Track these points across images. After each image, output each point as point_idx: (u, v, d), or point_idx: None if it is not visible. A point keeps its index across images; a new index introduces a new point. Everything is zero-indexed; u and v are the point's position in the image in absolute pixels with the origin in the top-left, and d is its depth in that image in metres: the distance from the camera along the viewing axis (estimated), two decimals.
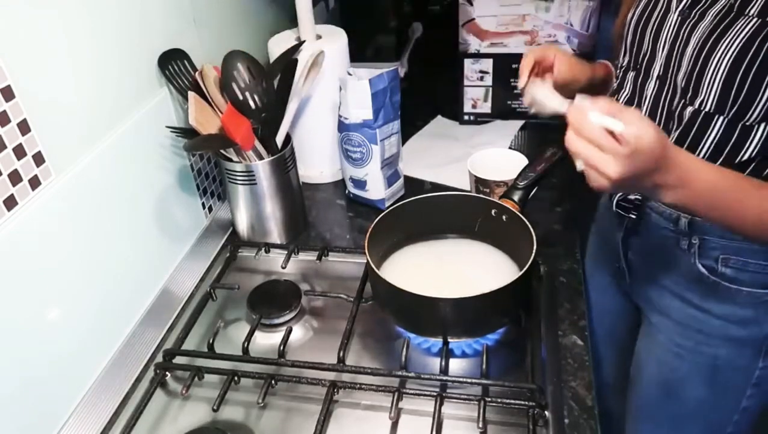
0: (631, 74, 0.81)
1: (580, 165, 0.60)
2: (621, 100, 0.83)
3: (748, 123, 0.66)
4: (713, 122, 0.68)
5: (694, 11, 0.69)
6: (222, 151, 0.93)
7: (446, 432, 0.70)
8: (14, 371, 0.65)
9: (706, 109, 0.68)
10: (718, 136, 0.69)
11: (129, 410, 0.75)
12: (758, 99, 0.64)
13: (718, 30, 0.65)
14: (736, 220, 0.66)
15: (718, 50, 0.65)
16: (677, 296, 0.82)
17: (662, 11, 0.74)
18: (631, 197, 0.82)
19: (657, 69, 0.75)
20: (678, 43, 0.71)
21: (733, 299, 0.77)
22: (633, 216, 0.84)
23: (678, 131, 0.72)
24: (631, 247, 0.88)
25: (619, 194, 0.84)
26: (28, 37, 0.65)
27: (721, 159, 0.69)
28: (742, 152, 0.68)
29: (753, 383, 0.81)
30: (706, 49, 0.66)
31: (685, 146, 0.72)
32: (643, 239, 0.85)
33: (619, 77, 0.83)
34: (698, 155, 0.71)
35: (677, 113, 0.72)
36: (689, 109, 0.70)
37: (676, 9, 0.71)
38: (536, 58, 0.88)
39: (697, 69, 0.68)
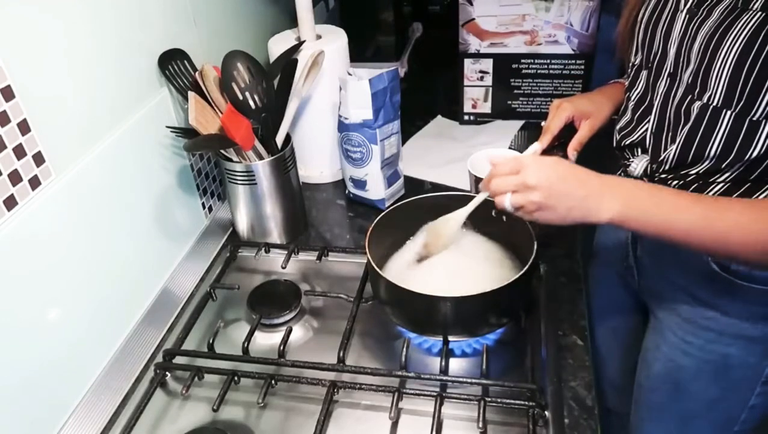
0: (643, 72, 0.81)
1: (507, 202, 0.69)
2: (633, 98, 0.83)
3: (755, 118, 0.66)
4: (721, 117, 0.69)
5: (702, 9, 0.70)
6: (222, 151, 0.93)
7: (446, 432, 0.70)
8: (14, 371, 0.65)
9: (714, 103, 0.69)
10: (726, 131, 0.69)
11: (129, 410, 0.75)
12: (763, 93, 0.64)
13: (724, 25, 0.66)
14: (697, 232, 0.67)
15: (725, 45, 0.65)
16: (688, 293, 0.82)
17: (672, 10, 0.74)
18: None
19: (668, 67, 0.76)
20: (686, 40, 0.71)
21: (746, 297, 0.77)
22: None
23: (688, 127, 0.72)
24: (641, 244, 0.88)
25: None
26: (28, 38, 0.65)
27: (731, 156, 0.70)
28: (751, 148, 0.68)
29: (762, 381, 0.81)
30: (713, 44, 0.67)
31: (696, 142, 0.72)
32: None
33: (631, 75, 0.84)
34: (709, 151, 0.71)
35: (685, 108, 0.73)
36: (697, 104, 0.71)
37: (685, 7, 0.72)
38: (566, 121, 0.95)
39: (705, 64, 0.68)
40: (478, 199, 0.79)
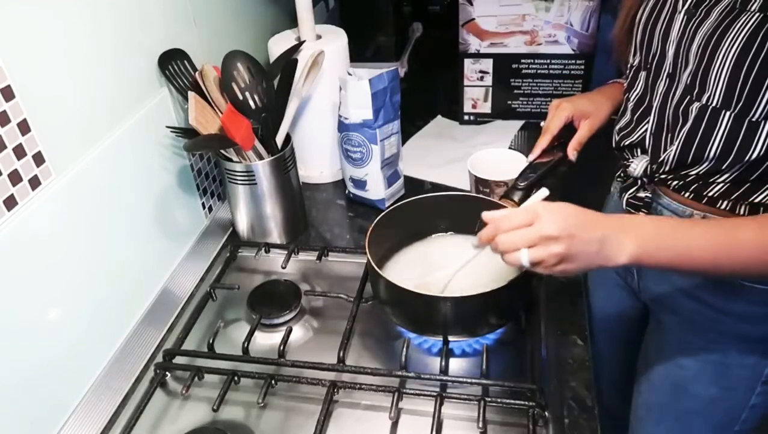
0: (642, 73, 0.81)
1: (525, 259, 0.62)
2: (632, 99, 0.83)
3: (754, 119, 0.66)
4: (720, 118, 0.69)
5: (700, 9, 0.70)
6: (222, 151, 0.93)
7: (446, 432, 0.70)
8: (14, 371, 0.65)
9: (713, 104, 0.69)
10: (726, 132, 0.69)
11: (129, 410, 0.75)
12: (762, 94, 0.64)
13: (722, 26, 0.66)
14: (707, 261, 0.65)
15: (723, 46, 0.65)
16: (688, 294, 0.82)
17: (670, 11, 0.74)
18: (641, 194, 0.82)
19: (666, 67, 0.76)
20: (684, 41, 0.71)
21: (746, 297, 0.77)
22: (643, 214, 0.84)
23: (687, 128, 0.72)
24: None
25: (629, 192, 0.84)
26: (28, 38, 0.65)
27: (731, 157, 0.70)
28: (751, 149, 0.68)
29: (762, 381, 0.81)
30: (711, 45, 0.67)
31: (695, 143, 0.72)
32: None
33: (630, 76, 0.84)
34: (708, 152, 0.71)
35: (684, 109, 0.73)
36: (696, 104, 0.71)
37: (683, 8, 0.72)
38: (565, 122, 0.93)
39: (703, 65, 0.68)
40: (466, 260, 0.75)
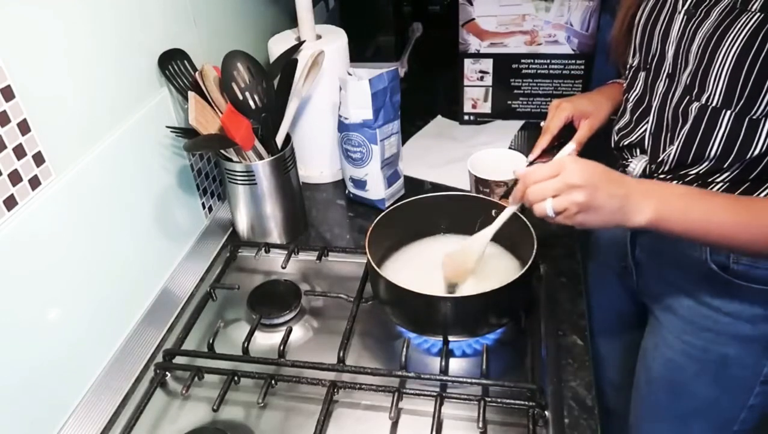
0: (641, 74, 0.81)
1: (549, 207, 0.64)
2: (632, 99, 0.83)
3: (755, 117, 0.66)
4: (721, 117, 0.69)
5: (700, 10, 0.70)
6: (222, 151, 0.93)
7: (446, 432, 0.70)
8: (14, 371, 0.65)
9: (713, 104, 0.69)
10: (726, 131, 0.69)
11: (129, 410, 0.75)
12: (763, 92, 0.64)
13: (723, 26, 0.66)
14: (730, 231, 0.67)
15: (723, 46, 0.66)
16: (687, 293, 0.82)
17: (669, 11, 0.75)
18: None
19: (666, 68, 0.76)
20: (684, 41, 0.72)
21: (744, 297, 0.77)
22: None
23: (687, 128, 0.72)
24: (639, 245, 0.88)
25: None
26: (28, 38, 0.65)
27: (732, 155, 0.70)
28: (752, 147, 0.68)
29: (761, 381, 0.82)
30: (711, 45, 0.67)
31: (695, 143, 0.72)
32: (652, 237, 0.85)
33: (629, 77, 0.84)
34: (709, 151, 0.71)
35: (684, 109, 0.73)
36: (695, 104, 0.71)
37: (683, 8, 0.72)
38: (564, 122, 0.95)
39: (703, 65, 0.68)
40: (501, 220, 0.76)
